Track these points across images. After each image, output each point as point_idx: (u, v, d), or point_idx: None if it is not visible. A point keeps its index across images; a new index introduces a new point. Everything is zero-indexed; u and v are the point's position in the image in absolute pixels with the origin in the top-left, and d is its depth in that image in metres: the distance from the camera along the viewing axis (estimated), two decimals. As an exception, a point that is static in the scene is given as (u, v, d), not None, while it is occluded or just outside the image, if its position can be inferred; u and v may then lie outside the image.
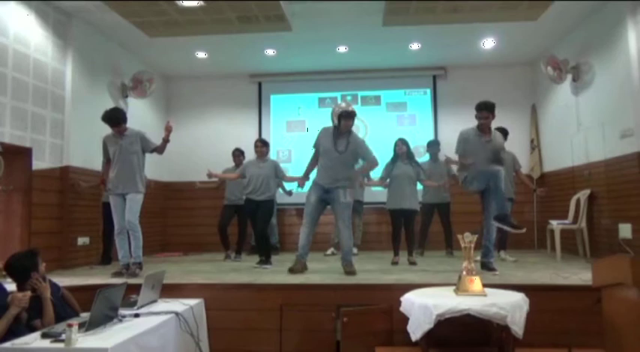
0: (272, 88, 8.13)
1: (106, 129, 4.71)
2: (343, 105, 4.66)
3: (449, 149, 6.46)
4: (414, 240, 5.52)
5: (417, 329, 2.93)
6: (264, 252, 5.25)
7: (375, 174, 5.70)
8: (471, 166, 4.44)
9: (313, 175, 4.84)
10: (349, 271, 4.45)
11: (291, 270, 4.51)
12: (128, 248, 4.57)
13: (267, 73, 7.95)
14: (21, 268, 2.99)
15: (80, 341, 2.45)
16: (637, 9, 5.06)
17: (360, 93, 7.98)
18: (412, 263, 5.17)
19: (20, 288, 2.95)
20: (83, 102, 5.79)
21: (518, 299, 2.97)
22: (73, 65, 5.63)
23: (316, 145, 4.76)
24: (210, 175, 5.76)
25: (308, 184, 4.89)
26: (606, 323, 2.75)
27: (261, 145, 5.72)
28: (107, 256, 5.61)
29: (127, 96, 6.75)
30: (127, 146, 4.58)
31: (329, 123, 4.74)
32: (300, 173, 5.86)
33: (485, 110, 4.42)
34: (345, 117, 4.51)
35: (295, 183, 6.14)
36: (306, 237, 4.62)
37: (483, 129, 4.48)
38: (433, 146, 6.33)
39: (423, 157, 6.50)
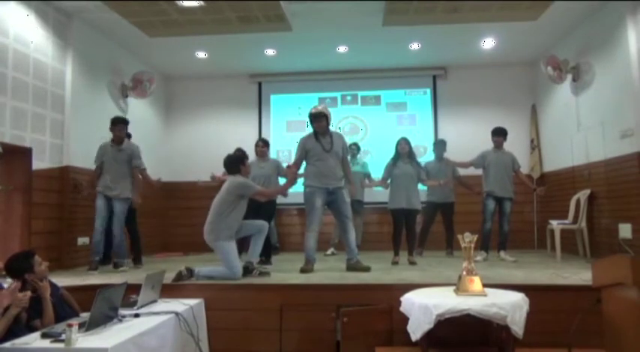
0: (272, 88, 8.12)
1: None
2: (320, 107, 4.75)
3: (449, 149, 6.47)
4: (414, 240, 5.52)
5: (417, 329, 2.93)
6: (265, 251, 5.25)
7: (376, 174, 5.70)
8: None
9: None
10: (360, 267, 4.56)
11: (303, 271, 4.58)
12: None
13: (267, 73, 7.95)
14: (15, 269, 3.03)
15: (80, 341, 2.45)
16: (637, 9, 5.06)
17: (360, 93, 7.97)
18: (412, 263, 5.17)
19: (20, 289, 2.95)
20: (83, 102, 5.79)
21: (519, 299, 2.97)
22: (73, 65, 5.63)
23: (300, 154, 4.79)
24: (213, 178, 5.76)
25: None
26: (606, 323, 2.75)
27: (263, 145, 5.74)
28: (107, 256, 5.60)
29: (127, 96, 6.74)
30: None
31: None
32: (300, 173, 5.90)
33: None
34: (315, 118, 4.66)
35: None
36: (314, 240, 4.71)
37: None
38: (439, 146, 6.29)
39: (423, 157, 6.48)
